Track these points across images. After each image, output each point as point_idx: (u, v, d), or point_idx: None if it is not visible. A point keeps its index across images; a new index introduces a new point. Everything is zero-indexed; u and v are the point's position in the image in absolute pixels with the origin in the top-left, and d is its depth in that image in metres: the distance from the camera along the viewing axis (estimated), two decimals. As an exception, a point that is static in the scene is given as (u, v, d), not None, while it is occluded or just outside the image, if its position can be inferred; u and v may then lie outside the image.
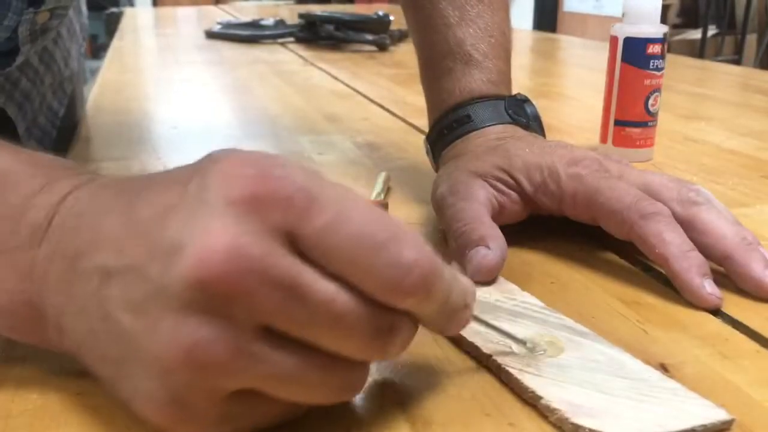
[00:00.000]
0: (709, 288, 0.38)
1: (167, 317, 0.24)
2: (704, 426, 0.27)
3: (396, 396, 0.30)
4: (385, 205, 0.52)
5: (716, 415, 0.28)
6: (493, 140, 0.49)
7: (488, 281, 0.39)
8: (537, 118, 0.53)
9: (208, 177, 0.25)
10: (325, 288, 0.24)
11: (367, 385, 0.31)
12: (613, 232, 0.42)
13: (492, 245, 0.40)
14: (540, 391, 0.29)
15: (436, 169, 0.53)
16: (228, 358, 0.23)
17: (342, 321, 0.24)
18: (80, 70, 0.84)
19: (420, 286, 0.25)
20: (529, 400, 0.29)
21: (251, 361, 0.24)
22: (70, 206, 0.28)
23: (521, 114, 0.52)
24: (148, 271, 0.24)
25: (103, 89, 1.00)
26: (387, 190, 0.55)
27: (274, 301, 0.24)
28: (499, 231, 0.42)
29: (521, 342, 0.32)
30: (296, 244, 0.24)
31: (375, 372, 0.32)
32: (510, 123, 0.51)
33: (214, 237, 0.23)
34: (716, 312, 0.38)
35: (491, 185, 0.46)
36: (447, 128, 0.52)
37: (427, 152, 0.56)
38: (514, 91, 0.54)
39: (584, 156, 0.45)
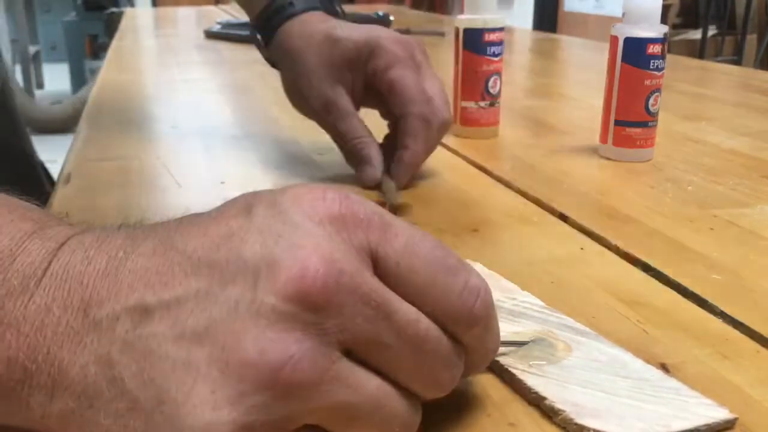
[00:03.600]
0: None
1: (251, 336, 0.22)
2: (708, 425, 0.27)
3: (396, 396, 0.30)
4: (399, 207, 0.52)
5: (719, 414, 0.28)
6: (319, 26, 0.58)
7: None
8: (343, 13, 0.64)
9: (284, 202, 0.25)
10: (408, 309, 0.25)
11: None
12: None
13: (375, 163, 0.55)
14: (543, 392, 0.29)
15: (268, 57, 0.64)
16: (318, 377, 0.23)
17: (424, 344, 0.25)
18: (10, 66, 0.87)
19: (487, 311, 0.26)
20: (533, 400, 0.29)
21: (336, 383, 0.23)
22: (71, 251, 0.25)
23: (330, 2, 0.63)
24: (218, 294, 0.23)
25: (103, 89, 1.00)
26: (399, 191, 0.55)
27: (366, 318, 0.24)
28: (377, 146, 0.57)
29: (524, 344, 0.32)
30: (376, 265, 0.25)
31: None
32: (324, 9, 0.61)
33: (311, 251, 0.23)
34: (717, 312, 0.38)
35: (345, 84, 0.57)
36: (272, 14, 0.61)
37: (255, 39, 0.64)
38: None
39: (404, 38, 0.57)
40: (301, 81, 0.58)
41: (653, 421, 0.27)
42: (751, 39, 3.20)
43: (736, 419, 0.28)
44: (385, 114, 0.59)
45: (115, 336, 0.23)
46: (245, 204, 0.25)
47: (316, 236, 0.24)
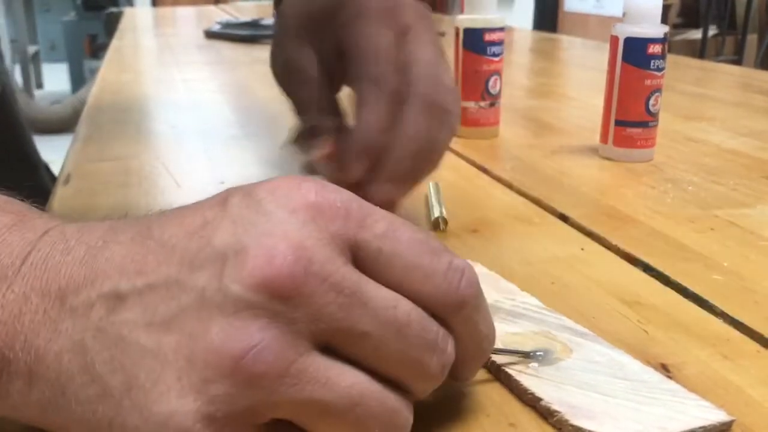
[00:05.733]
0: None
1: (217, 324, 0.22)
2: (704, 428, 0.27)
3: (396, 396, 0.30)
4: (444, 222, 0.49)
5: (716, 416, 0.28)
6: None
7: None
8: None
9: (259, 192, 0.25)
10: (386, 294, 0.24)
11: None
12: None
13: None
14: (539, 393, 0.29)
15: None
16: (282, 369, 0.22)
17: (405, 328, 0.24)
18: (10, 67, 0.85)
19: (473, 290, 0.25)
20: (529, 401, 0.29)
21: (304, 377, 0.23)
22: (51, 243, 0.25)
23: None
24: (186, 281, 0.23)
25: (102, 89, 0.99)
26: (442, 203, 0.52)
27: (339, 306, 0.23)
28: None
29: (529, 355, 0.32)
30: (355, 254, 0.24)
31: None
32: None
33: (279, 239, 0.23)
34: (717, 312, 0.38)
35: (315, 45, 0.45)
36: None
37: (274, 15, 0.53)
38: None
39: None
40: (274, 41, 0.48)
41: (649, 422, 0.27)
42: (752, 39, 3.20)
43: (733, 421, 0.28)
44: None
45: (89, 323, 0.24)
46: (223, 196, 0.26)
47: (287, 224, 0.23)
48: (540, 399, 0.29)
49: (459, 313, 0.25)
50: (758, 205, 0.54)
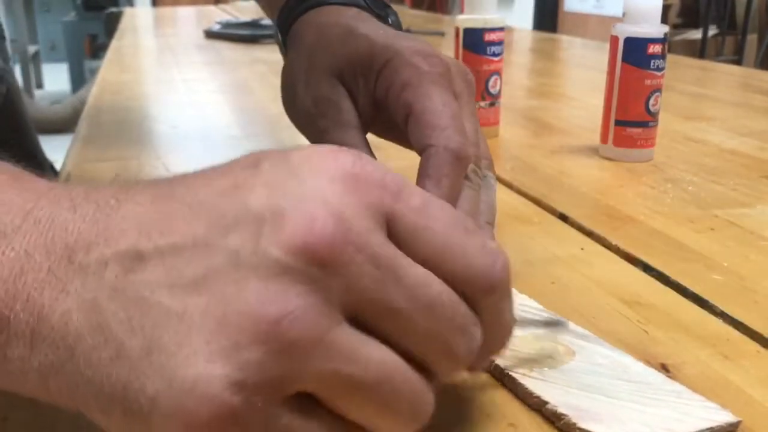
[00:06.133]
0: None
1: (252, 287, 0.21)
2: (711, 429, 0.27)
3: (396, 396, 0.30)
4: None
5: (722, 417, 0.28)
6: (344, 19, 0.45)
7: None
8: (398, 25, 0.49)
9: (293, 159, 0.24)
10: (420, 272, 0.23)
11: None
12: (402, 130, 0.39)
13: None
14: (545, 396, 0.29)
15: (284, 54, 0.50)
16: (316, 338, 0.21)
17: (437, 308, 0.23)
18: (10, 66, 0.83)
19: (505, 276, 0.25)
20: (534, 405, 0.29)
21: (335, 349, 0.22)
22: (56, 200, 0.24)
23: (380, 8, 0.48)
24: (217, 243, 0.22)
25: (102, 89, 0.99)
26: None
27: (373, 279, 0.22)
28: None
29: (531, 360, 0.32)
30: (390, 227, 0.24)
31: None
32: (365, 8, 0.47)
33: (319, 205, 0.22)
34: (717, 312, 0.38)
35: (352, 91, 0.43)
36: (296, 3, 0.48)
37: (276, 38, 0.52)
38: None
39: (436, 54, 0.40)
40: (297, 75, 0.45)
41: (656, 424, 0.27)
42: (752, 39, 3.20)
43: (739, 422, 0.28)
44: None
45: (103, 282, 0.22)
46: (254, 159, 0.24)
47: (325, 192, 0.23)
48: (546, 402, 0.29)
49: (489, 297, 0.25)
50: (758, 205, 0.54)
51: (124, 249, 0.22)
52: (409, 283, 0.23)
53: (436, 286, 0.23)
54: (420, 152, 0.37)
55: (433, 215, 0.24)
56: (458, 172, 0.36)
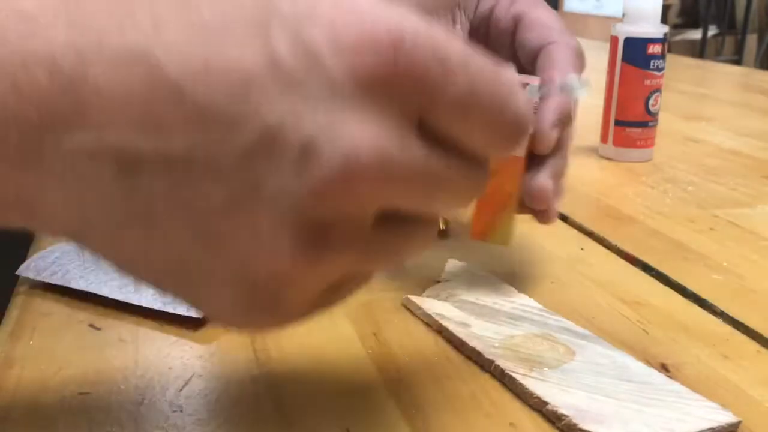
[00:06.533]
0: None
1: (343, 118, 0.19)
2: (712, 429, 0.27)
3: (395, 396, 0.30)
4: (445, 221, 0.48)
5: (723, 417, 0.28)
6: None
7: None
8: None
9: (313, 37, 0.20)
10: (487, 62, 0.22)
11: (365, 385, 0.31)
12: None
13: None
14: (546, 397, 0.29)
15: None
16: (398, 157, 0.20)
17: (507, 94, 0.22)
18: None
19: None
20: (535, 405, 0.29)
21: (413, 161, 0.21)
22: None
23: None
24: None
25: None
26: None
27: (441, 74, 0.20)
28: None
29: None
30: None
31: (375, 371, 0.32)
32: None
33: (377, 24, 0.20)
34: (717, 312, 0.38)
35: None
36: None
37: None
38: None
39: None
40: None
41: (658, 425, 0.27)
42: (751, 39, 3.20)
43: (740, 422, 0.28)
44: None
45: None
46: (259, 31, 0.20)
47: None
48: (546, 403, 0.29)
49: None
50: (758, 205, 0.54)
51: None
52: (476, 72, 0.21)
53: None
54: (534, 53, 0.39)
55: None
56: (578, 66, 0.38)
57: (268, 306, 0.21)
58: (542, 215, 0.38)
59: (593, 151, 0.67)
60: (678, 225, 0.50)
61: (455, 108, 0.21)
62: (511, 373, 0.31)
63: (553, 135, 0.36)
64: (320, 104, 0.19)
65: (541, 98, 0.37)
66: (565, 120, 0.37)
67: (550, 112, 0.36)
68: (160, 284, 0.22)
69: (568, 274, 0.42)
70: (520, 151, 0.36)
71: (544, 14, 0.41)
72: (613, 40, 0.63)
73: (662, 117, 0.66)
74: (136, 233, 0.20)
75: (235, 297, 0.21)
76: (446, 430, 0.28)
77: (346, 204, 0.20)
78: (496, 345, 0.33)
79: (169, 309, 0.36)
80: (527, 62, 0.40)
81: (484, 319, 0.35)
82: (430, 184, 0.22)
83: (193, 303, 0.22)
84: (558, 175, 0.38)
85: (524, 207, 0.38)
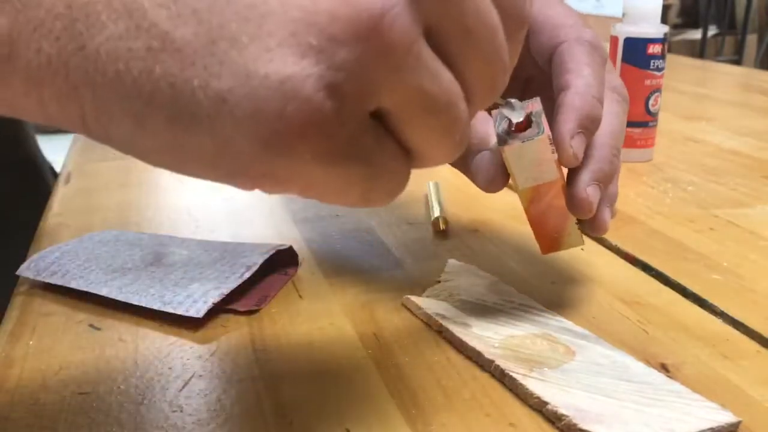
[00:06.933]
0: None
1: None
2: (712, 429, 0.27)
3: (395, 396, 0.30)
4: (445, 222, 0.49)
5: (723, 417, 0.28)
6: None
7: None
8: None
9: None
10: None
11: (365, 385, 0.31)
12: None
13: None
14: (546, 397, 0.29)
15: None
16: (409, 43, 0.19)
17: (497, 36, 0.22)
18: None
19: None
20: (535, 405, 0.29)
21: (420, 61, 0.20)
22: None
23: None
24: None
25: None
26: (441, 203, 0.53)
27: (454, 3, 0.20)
28: None
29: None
30: None
31: (375, 371, 0.32)
32: None
33: None
34: (717, 312, 0.38)
35: None
36: None
37: None
38: None
39: None
40: None
41: (658, 425, 0.27)
42: (751, 39, 3.21)
43: (740, 422, 0.28)
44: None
45: None
46: None
47: None
48: (546, 403, 0.29)
49: (518, 34, 0.23)
50: (758, 205, 0.54)
51: None
52: (481, 7, 0.21)
53: (496, 16, 0.22)
54: (548, 57, 0.36)
55: None
56: (597, 60, 0.35)
57: (332, 88, 0.19)
58: (590, 225, 0.36)
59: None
60: (678, 225, 0.50)
61: (460, 27, 0.21)
62: (511, 373, 0.31)
63: (573, 146, 0.33)
64: None
65: (559, 106, 0.34)
66: (590, 125, 0.34)
67: (566, 123, 0.33)
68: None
69: (568, 274, 0.42)
70: (557, 172, 0.33)
71: (554, 11, 0.37)
72: (613, 40, 0.63)
73: (662, 117, 0.66)
74: None
75: (299, 70, 0.19)
76: (446, 430, 0.28)
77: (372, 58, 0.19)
78: (496, 345, 0.33)
79: (169, 309, 0.36)
80: (546, 68, 0.37)
81: (484, 319, 0.35)
82: (428, 96, 0.21)
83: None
84: (599, 180, 0.34)
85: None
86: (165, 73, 0.18)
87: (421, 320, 0.36)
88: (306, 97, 0.18)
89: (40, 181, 0.80)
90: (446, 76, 0.21)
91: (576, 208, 0.34)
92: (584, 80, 0.34)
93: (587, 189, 0.34)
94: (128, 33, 0.18)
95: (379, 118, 0.21)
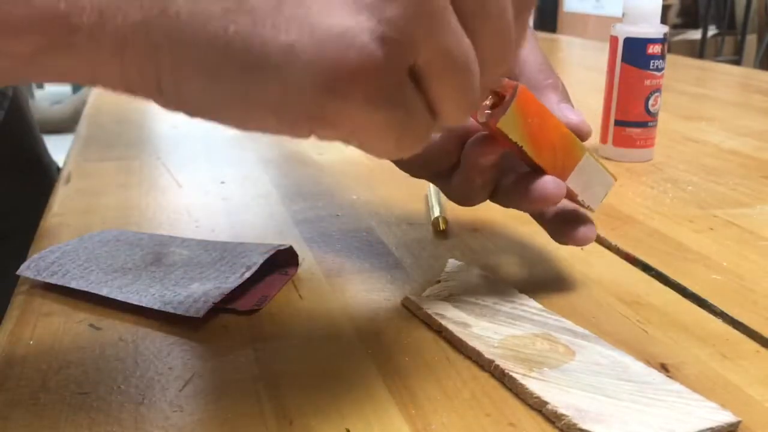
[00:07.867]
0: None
1: None
2: (711, 429, 0.27)
3: (395, 396, 0.30)
4: (444, 221, 0.49)
5: (723, 417, 0.28)
6: None
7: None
8: None
9: None
10: None
11: (365, 385, 0.31)
12: None
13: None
14: (545, 397, 0.29)
15: None
16: (443, 6, 0.23)
17: (506, 14, 0.25)
18: None
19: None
20: (535, 405, 0.29)
21: (450, 25, 0.23)
22: None
23: None
24: None
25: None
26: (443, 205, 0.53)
27: None
28: None
29: None
30: None
31: (375, 371, 0.32)
32: None
33: None
34: (716, 312, 0.38)
35: None
36: None
37: None
38: None
39: None
40: None
41: (658, 425, 0.27)
42: (751, 39, 3.21)
43: (739, 422, 0.28)
44: None
45: None
46: None
47: None
48: (546, 403, 0.29)
49: (524, 14, 0.27)
50: (758, 205, 0.54)
51: None
52: None
53: None
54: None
55: None
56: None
57: (382, 40, 0.22)
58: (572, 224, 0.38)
59: (593, 151, 0.67)
60: (678, 225, 0.50)
61: (477, 3, 0.24)
62: (511, 373, 0.31)
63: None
64: None
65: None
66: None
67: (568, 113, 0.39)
68: None
69: (568, 274, 0.42)
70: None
71: (522, 54, 0.39)
72: (613, 40, 0.63)
73: (662, 117, 0.66)
74: None
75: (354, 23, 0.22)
76: (446, 430, 0.28)
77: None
78: (496, 345, 0.33)
79: (169, 309, 0.36)
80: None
81: (484, 319, 0.35)
82: (452, 56, 0.23)
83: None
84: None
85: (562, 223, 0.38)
86: (239, 30, 0.21)
87: (421, 320, 0.36)
88: (362, 45, 0.21)
89: (46, 181, 0.80)
90: (466, 41, 0.24)
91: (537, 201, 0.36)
92: (577, 116, 0.40)
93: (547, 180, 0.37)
94: None
95: (412, 79, 0.24)
